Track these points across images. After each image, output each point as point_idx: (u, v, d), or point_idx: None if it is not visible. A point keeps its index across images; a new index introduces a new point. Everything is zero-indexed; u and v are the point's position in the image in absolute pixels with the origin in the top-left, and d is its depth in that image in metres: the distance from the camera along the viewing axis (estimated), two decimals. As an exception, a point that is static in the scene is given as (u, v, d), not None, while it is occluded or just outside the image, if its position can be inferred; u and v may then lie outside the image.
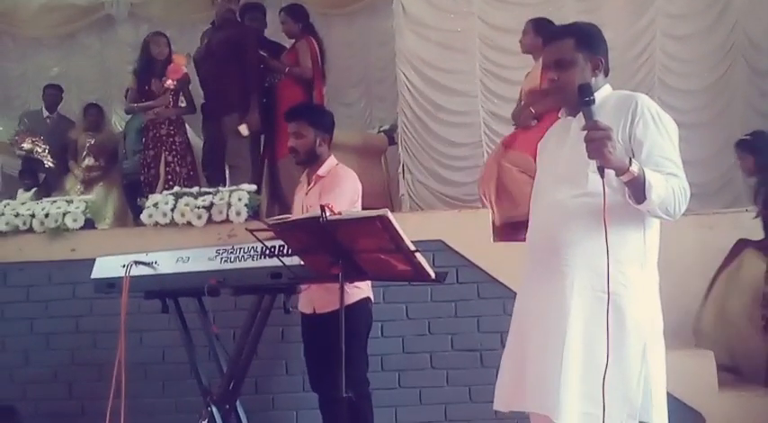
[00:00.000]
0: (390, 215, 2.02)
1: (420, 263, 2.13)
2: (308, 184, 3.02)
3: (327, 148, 3.05)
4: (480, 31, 5.51)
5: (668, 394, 3.20)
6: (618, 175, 1.75)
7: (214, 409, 2.76)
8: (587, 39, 2.01)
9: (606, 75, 2.04)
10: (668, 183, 1.79)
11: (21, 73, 6.66)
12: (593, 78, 2.00)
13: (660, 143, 1.87)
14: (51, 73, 6.36)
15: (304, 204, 2.96)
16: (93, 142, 5.41)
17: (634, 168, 1.73)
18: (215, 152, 4.62)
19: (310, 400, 3.09)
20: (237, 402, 2.87)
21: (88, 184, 5.33)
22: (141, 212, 3.71)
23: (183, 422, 3.34)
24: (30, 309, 3.69)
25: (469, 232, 3.52)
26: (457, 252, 3.46)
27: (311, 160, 2.99)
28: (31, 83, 6.22)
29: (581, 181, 1.90)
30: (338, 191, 2.86)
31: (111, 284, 2.81)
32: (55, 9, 6.48)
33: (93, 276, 2.90)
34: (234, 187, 3.76)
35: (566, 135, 2.01)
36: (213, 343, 2.90)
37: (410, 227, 2.14)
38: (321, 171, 2.98)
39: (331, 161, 3.04)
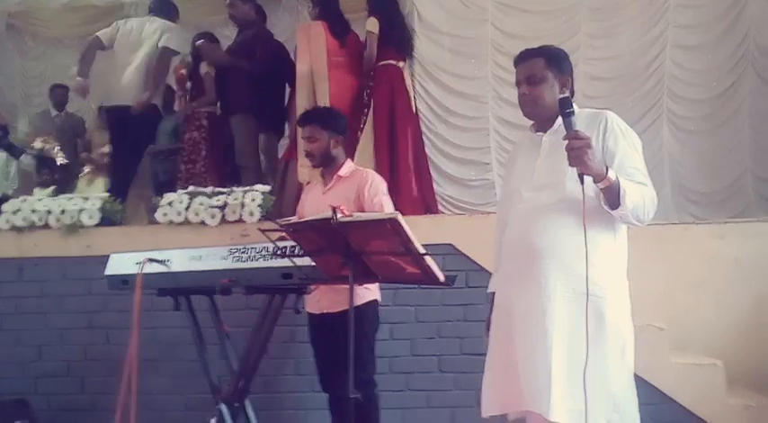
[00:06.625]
0: (401, 218, 2.04)
1: (429, 266, 2.15)
2: (326, 185, 3.03)
3: (343, 149, 3.08)
4: (493, 38, 5.55)
5: (677, 403, 3.25)
6: (596, 181, 1.89)
7: (223, 407, 2.78)
8: (556, 59, 2.18)
9: (572, 95, 2.15)
10: (640, 190, 1.95)
11: (40, 72, 6.76)
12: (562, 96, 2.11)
13: (630, 154, 2.04)
14: (70, 72, 6.44)
15: (320, 204, 2.97)
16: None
17: (611, 176, 1.88)
18: (228, 152, 4.69)
19: (319, 400, 3.12)
20: (247, 401, 2.89)
21: (98, 169, 5.39)
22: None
23: (192, 419, 3.37)
24: (44, 304, 3.75)
25: (479, 236, 3.51)
26: (467, 256, 3.48)
27: (327, 163, 3.02)
28: (50, 82, 6.29)
29: (558, 188, 2.03)
30: (382, 193, 2.92)
31: (124, 281, 2.85)
32: (75, 9, 6.56)
33: (106, 273, 2.94)
34: (248, 187, 3.80)
35: (536, 149, 2.17)
36: (224, 341, 2.93)
37: (420, 230, 2.16)
38: (342, 172, 3.00)
39: (350, 163, 3.07)
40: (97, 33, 4.71)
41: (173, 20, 4.84)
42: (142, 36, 4.65)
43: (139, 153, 4.81)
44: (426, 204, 4.28)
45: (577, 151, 1.84)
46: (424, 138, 5.20)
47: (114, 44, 4.65)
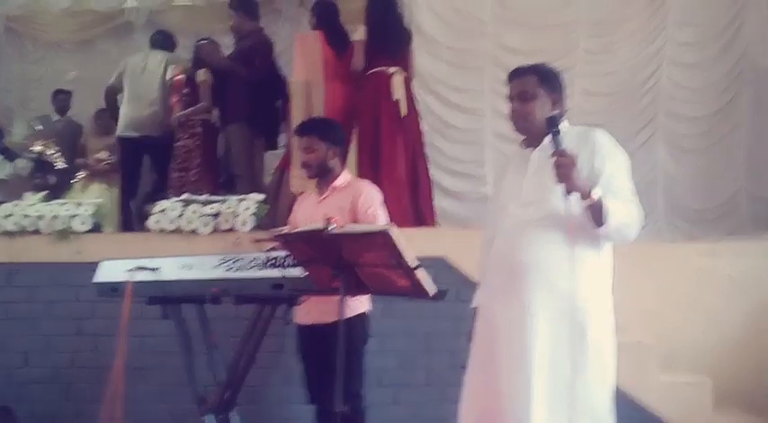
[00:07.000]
0: (393, 231, 2.04)
1: (419, 280, 2.14)
2: (321, 195, 3.03)
3: (339, 161, 3.07)
4: (492, 52, 5.57)
5: (664, 421, 3.23)
6: (581, 198, 1.92)
7: (210, 418, 2.76)
8: (549, 77, 2.21)
9: (562, 114, 2.17)
10: (625, 209, 1.98)
11: (38, 76, 6.77)
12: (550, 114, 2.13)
13: (618, 173, 2.08)
14: (68, 77, 6.45)
15: (314, 214, 2.96)
16: (107, 143, 5.50)
17: (596, 194, 1.91)
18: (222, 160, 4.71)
19: (306, 412, 3.09)
20: (233, 412, 2.87)
21: (93, 175, 5.41)
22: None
23: (178, 429, 3.35)
24: (32, 309, 3.72)
25: (473, 250, 3.49)
26: (459, 270, 3.47)
27: (323, 174, 3.01)
28: (48, 86, 6.30)
29: (544, 205, 2.06)
30: (376, 205, 2.92)
31: (114, 288, 2.83)
32: (75, 14, 6.59)
33: (96, 280, 2.92)
34: (242, 196, 3.79)
35: (525, 164, 2.20)
36: (212, 351, 2.91)
37: (413, 243, 2.15)
38: (338, 182, 2.99)
39: (346, 174, 3.07)
40: (109, 82, 5.15)
41: (172, 50, 5.19)
42: (148, 70, 4.99)
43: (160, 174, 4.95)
44: (419, 215, 4.21)
45: (563, 169, 1.90)
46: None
47: (124, 80, 5.03)
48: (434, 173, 5.43)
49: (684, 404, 3.21)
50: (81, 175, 5.53)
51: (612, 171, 2.06)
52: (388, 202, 3.79)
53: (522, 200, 2.15)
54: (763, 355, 3.50)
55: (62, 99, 5.89)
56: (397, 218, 3.74)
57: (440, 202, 5.48)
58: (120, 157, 5.16)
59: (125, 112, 5.00)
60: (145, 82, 4.97)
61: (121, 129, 5.01)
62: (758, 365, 3.48)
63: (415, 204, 4.21)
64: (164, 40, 5.23)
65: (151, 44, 5.24)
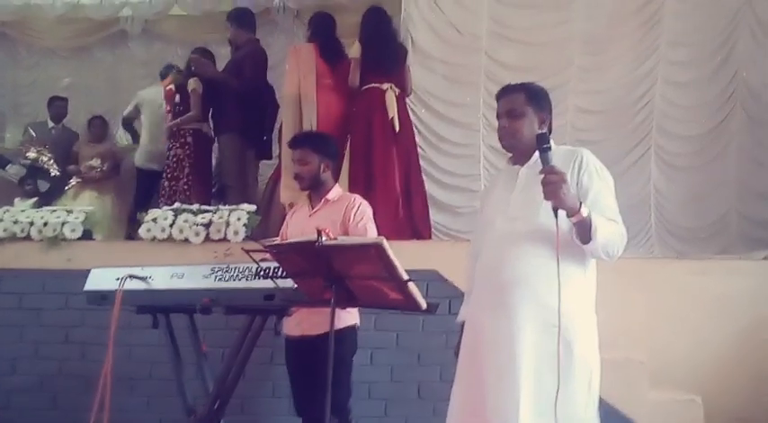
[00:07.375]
0: (386, 243, 2.04)
1: (412, 293, 2.14)
2: (313, 208, 3.03)
3: (332, 174, 3.09)
4: (486, 67, 5.60)
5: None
6: (569, 215, 1.93)
7: (198, 429, 2.74)
8: (537, 95, 2.24)
9: (550, 132, 2.19)
10: (612, 227, 2.00)
11: (31, 82, 6.76)
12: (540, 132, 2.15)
13: (603, 192, 2.10)
14: (62, 83, 6.45)
15: (306, 226, 2.97)
16: (99, 150, 5.49)
17: (584, 211, 1.92)
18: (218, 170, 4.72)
19: (295, 424, 3.08)
20: (221, 423, 2.85)
21: (85, 182, 5.43)
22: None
23: (165, 440, 3.32)
24: (21, 316, 3.69)
25: (464, 263, 3.53)
26: (451, 283, 3.47)
27: (316, 186, 3.02)
28: (41, 92, 6.31)
29: (531, 220, 2.07)
30: (367, 218, 2.94)
31: (103, 296, 2.80)
32: (70, 21, 6.60)
33: (86, 288, 2.89)
34: (233, 207, 3.79)
35: (512, 181, 2.21)
36: (201, 361, 2.89)
37: (405, 256, 2.15)
38: (330, 196, 3.01)
39: (338, 188, 3.09)
40: (125, 113, 5.46)
41: None
42: (161, 103, 5.06)
43: None
44: (415, 228, 4.21)
45: (552, 186, 1.90)
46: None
47: (142, 112, 5.25)
48: (428, 186, 5.46)
49: (674, 421, 3.20)
50: (73, 182, 5.51)
51: (600, 188, 2.09)
52: (380, 216, 3.81)
53: (509, 214, 2.16)
54: (753, 373, 3.51)
55: (59, 106, 5.88)
56: (393, 231, 3.76)
57: (433, 216, 5.48)
58: (136, 182, 5.34)
59: (145, 144, 5.22)
60: (162, 116, 5.04)
61: (141, 161, 5.23)
62: (748, 383, 3.49)
63: (410, 218, 4.21)
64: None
65: (162, 77, 5.33)
